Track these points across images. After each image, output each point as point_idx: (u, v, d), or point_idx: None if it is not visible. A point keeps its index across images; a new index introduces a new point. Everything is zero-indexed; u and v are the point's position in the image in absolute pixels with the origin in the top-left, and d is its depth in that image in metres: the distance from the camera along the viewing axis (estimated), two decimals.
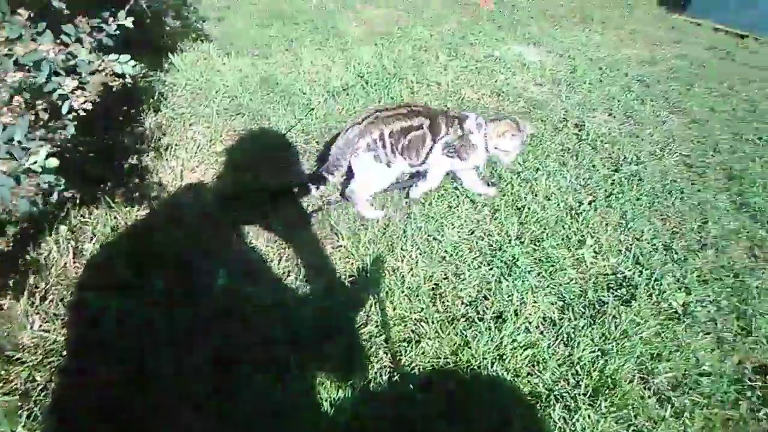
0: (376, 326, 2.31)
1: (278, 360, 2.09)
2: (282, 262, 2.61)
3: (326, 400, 1.99)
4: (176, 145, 3.29)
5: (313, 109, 3.89)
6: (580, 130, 3.95)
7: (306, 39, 5.09)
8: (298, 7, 5.79)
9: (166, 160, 3.15)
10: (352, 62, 4.69)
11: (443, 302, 2.47)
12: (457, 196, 3.13)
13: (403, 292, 2.48)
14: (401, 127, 2.84)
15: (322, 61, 4.71)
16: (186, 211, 2.83)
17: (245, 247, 2.69)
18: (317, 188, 2.92)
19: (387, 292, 2.48)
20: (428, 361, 2.18)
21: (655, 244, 2.91)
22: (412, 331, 2.32)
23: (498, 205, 3.08)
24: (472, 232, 2.91)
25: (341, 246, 2.75)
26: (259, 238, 2.73)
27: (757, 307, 2.55)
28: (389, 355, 2.19)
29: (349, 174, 3.00)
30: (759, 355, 2.35)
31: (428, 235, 2.84)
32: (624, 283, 2.64)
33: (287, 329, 2.23)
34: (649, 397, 2.11)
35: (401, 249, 2.73)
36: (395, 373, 2.13)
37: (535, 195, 3.18)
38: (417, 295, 2.47)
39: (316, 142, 3.54)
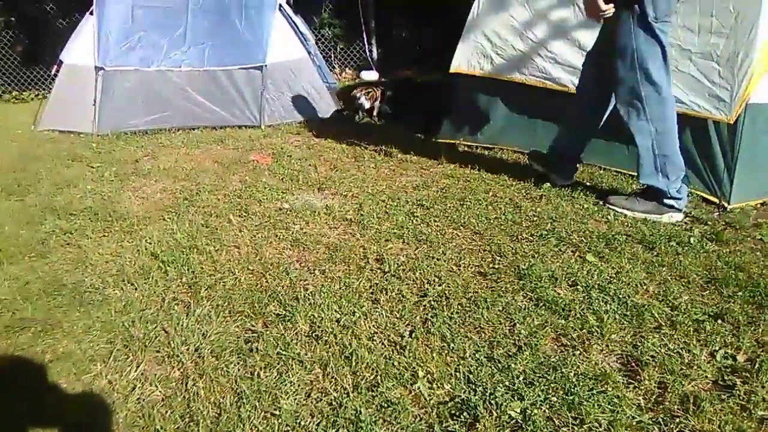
0: None
1: None
2: None
3: None
4: None
5: (109, 303, 3.61)
6: (381, 264, 4.14)
7: (87, 229, 4.79)
8: (71, 198, 5.48)
9: None
10: (142, 243, 4.49)
11: None
12: (283, 361, 3.04)
13: None
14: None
15: (110, 249, 4.45)
16: None
17: None
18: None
19: None
20: None
21: (479, 359, 3.06)
22: None
23: (326, 360, 3.05)
24: (309, 395, 2.82)
25: None
26: None
27: (580, 393, 2.76)
28: None
29: None
30: None
31: (264, 412, 2.69)
32: (464, 407, 2.71)
33: None
34: None
35: None
36: None
37: (359, 339, 3.21)
38: None
39: (120, 339, 3.25)
